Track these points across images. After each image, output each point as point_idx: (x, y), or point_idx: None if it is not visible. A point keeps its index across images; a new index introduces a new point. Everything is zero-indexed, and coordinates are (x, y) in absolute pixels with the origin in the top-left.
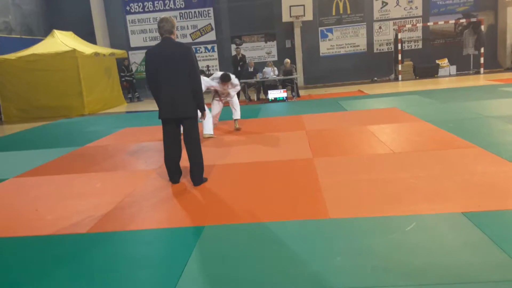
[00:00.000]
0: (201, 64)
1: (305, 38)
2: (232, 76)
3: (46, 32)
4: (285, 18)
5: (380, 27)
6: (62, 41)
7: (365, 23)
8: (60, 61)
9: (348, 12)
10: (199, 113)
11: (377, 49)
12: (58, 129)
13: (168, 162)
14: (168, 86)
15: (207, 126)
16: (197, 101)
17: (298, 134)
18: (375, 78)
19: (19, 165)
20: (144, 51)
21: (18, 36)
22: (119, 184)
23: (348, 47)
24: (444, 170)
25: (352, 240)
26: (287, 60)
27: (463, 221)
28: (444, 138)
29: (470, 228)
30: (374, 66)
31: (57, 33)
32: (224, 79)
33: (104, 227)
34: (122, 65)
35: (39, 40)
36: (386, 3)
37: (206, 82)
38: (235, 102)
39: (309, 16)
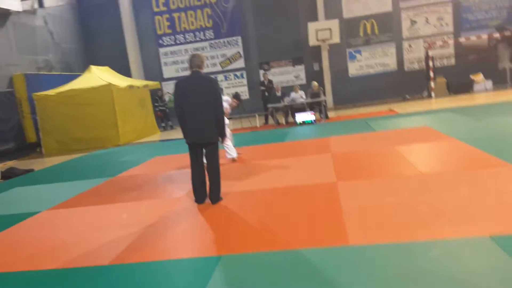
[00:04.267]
0: (231, 91)
1: (333, 60)
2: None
3: (84, 68)
4: (312, 42)
5: (410, 46)
6: (98, 75)
7: (394, 42)
8: (96, 95)
9: (376, 32)
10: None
11: (407, 67)
12: (93, 160)
13: (195, 181)
14: (194, 114)
15: (232, 149)
16: (220, 128)
17: (323, 157)
18: (407, 96)
19: (53, 197)
20: (175, 81)
21: (58, 73)
22: (143, 214)
23: (377, 66)
24: (474, 190)
25: (372, 268)
26: (315, 83)
27: (490, 245)
28: (477, 156)
29: (498, 253)
30: (405, 84)
31: (94, 69)
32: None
33: (125, 259)
34: (156, 96)
35: (77, 76)
36: (415, 22)
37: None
38: None
39: (336, 39)
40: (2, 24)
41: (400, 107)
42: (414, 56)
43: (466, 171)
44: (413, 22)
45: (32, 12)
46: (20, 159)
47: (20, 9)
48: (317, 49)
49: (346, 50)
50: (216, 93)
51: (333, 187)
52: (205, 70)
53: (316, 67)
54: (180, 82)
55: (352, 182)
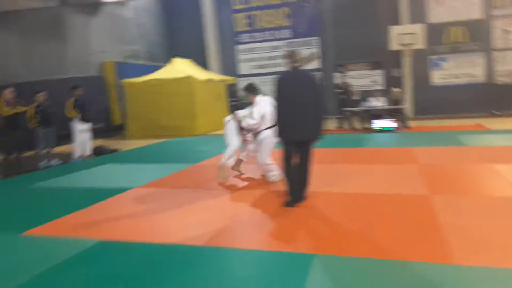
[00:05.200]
0: None
1: (413, 66)
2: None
3: (166, 59)
4: (393, 46)
5: (502, 57)
6: (180, 68)
7: (483, 52)
8: (177, 86)
9: (463, 40)
10: None
11: (498, 80)
12: (173, 147)
13: (294, 182)
14: (298, 111)
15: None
16: (322, 125)
17: (409, 168)
18: (494, 111)
19: (142, 176)
20: (249, 78)
21: (143, 63)
22: (230, 202)
23: (464, 77)
24: None
25: None
26: (395, 89)
27: None
28: None
29: None
30: (494, 99)
31: (176, 61)
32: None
33: (217, 242)
34: (231, 91)
35: (160, 67)
36: (509, 31)
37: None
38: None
39: (420, 45)
40: (97, 14)
41: (489, 123)
42: (506, 69)
43: None
44: (506, 31)
45: (124, 4)
46: (106, 139)
47: (113, 0)
48: (397, 54)
49: (429, 57)
50: (318, 89)
51: (425, 200)
52: (278, 69)
53: (395, 73)
54: (283, 77)
55: (447, 197)
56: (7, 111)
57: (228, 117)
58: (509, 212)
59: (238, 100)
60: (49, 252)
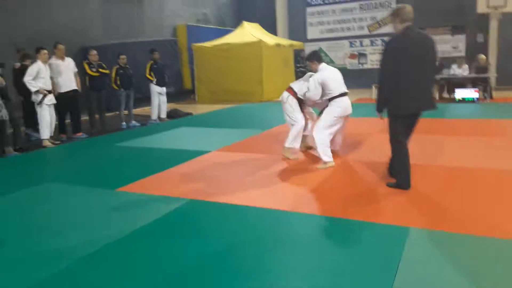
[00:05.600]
0: (377, 58)
1: (502, 32)
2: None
3: (235, 23)
4: (481, 8)
5: None
6: (250, 32)
7: None
8: (247, 50)
9: None
10: None
11: None
12: (243, 112)
13: (407, 161)
14: (413, 78)
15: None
16: (432, 94)
17: (500, 141)
18: None
19: (217, 140)
20: (319, 43)
21: (213, 26)
22: (304, 171)
23: None
24: None
25: None
26: (482, 56)
27: None
28: None
29: None
30: None
31: (246, 25)
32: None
33: (301, 208)
34: (299, 57)
35: (230, 31)
36: None
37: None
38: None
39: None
40: None
41: None
42: None
43: None
44: None
45: None
46: (177, 102)
47: None
48: (483, 18)
49: None
50: (436, 52)
51: None
52: (349, 33)
53: (480, 38)
54: (397, 40)
55: None
56: (92, 72)
57: (285, 94)
58: None
59: (305, 66)
60: (147, 207)
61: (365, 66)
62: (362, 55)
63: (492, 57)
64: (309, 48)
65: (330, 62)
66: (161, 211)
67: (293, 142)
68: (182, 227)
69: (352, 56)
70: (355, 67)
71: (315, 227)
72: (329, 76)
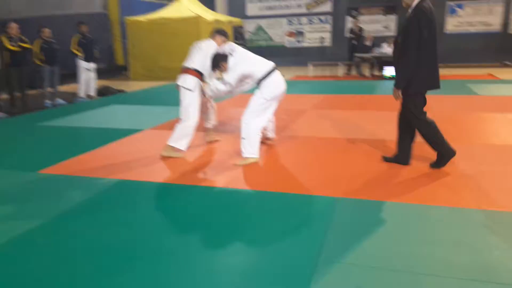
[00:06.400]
0: (314, 36)
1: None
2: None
3: None
4: None
5: None
6: (187, 6)
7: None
8: (184, 26)
9: None
10: None
11: None
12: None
13: (439, 133)
14: (432, 52)
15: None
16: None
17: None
18: (507, 62)
19: (150, 118)
20: (258, 20)
21: (148, 0)
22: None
23: (478, 25)
24: None
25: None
26: None
27: None
28: None
29: None
30: (508, 49)
31: None
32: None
33: (233, 184)
34: (237, 33)
35: (165, 4)
36: None
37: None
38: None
39: None
40: None
41: (500, 73)
42: None
43: None
44: None
45: None
46: (109, 79)
47: None
48: None
49: (446, 3)
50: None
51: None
52: (288, 11)
53: None
54: (427, 13)
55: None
56: (12, 47)
57: (191, 80)
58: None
59: (244, 43)
60: (72, 189)
61: (303, 44)
62: (300, 33)
63: None
64: (248, 25)
65: (269, 40)
66: (87, 192)
67: (179, 141)
68: (109, 208)
69: (290, 34)
70: (293, 45)
71: (250, 201)
72: (246, 67)
